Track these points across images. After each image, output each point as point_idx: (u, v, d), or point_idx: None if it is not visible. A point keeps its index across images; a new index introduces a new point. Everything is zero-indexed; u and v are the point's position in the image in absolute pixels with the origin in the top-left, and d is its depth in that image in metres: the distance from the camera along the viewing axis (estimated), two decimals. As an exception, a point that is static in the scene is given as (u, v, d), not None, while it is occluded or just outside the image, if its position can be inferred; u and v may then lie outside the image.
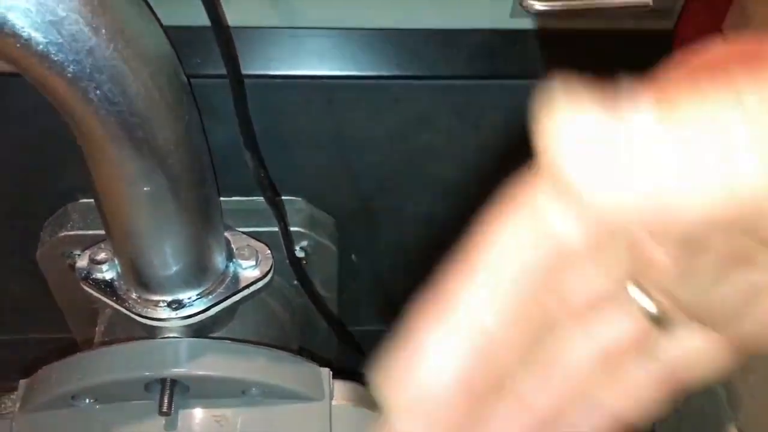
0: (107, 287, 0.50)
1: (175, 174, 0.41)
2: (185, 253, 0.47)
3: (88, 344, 0.63)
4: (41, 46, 0.33)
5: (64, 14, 0.33)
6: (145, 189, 0.41)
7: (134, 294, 0.50)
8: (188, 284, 0.49)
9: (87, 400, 0.49)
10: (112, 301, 0.50)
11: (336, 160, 0.56)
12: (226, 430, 0.49)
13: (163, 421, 0.48)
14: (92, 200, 0.55)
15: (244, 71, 0.46)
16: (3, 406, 0.51)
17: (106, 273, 0.51)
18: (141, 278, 0.49)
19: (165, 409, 0.47)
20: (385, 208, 0.60)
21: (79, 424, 0.48)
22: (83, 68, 0.34)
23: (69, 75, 0.34)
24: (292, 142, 0.54)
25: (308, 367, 0.52)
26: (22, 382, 0.51)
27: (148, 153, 0.39)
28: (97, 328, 0.58)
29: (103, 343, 0.55)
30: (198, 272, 0.49)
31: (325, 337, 0.66)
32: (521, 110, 0.17)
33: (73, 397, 0.48)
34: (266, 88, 0.49)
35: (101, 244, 0.52)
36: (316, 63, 0.47)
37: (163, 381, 0.48)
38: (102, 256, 0.51)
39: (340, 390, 0.52)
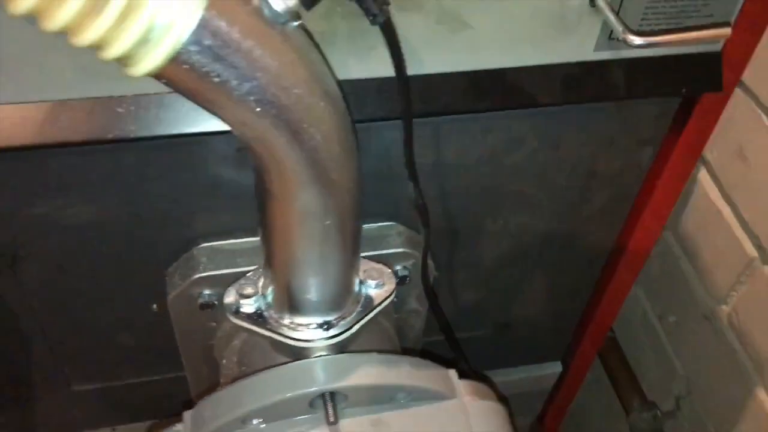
0: (258, 317, 0.56)
1: (348, 208, 0.48)
2: (340, 279, 0.53)
3: (203, 380, 0.68)
4: (275, 111, 0.39)
5: (290, 84, 0.39)
6: (325, 223, 0.47)
7: (286, 320, 0.55)
8: (336, 307, 0.55)
9: (254, 422, 0.54)
10: (265, 329, 0.56)
11: (427, 186, 0.63)
12: (382, 435, 0.55)
13: (330, 430, 0.54)
14: (216, 243, 0.61)
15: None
16: (169, 438, 0.56)
17: (254, 305, 0.56)
18: (296, 305, 0.54)
19: (332, 419, 0.53)
20: (466, 227, 0.67)
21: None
22: (300, 122, 0.41)
23: (290, 129, 0.41)
24: (390, 172, 0.61)
25: (439, 370, 0.58)
26: (187, 413, 0.56)
27: (335, 191, 0.45)
28: (223, 362, 0.63)
29: (242, 373, 0.60)
30: (344, 295, 0.55)
31: (412, 344, 0.72)
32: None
33: (243, 421, 0.54)
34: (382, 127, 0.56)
35: (242, 281, 0.58)
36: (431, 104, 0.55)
37: (324, 395, 0.53)
38: (249, 290, 0.56)
39: (465, 387, 0.59)
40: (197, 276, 0.59)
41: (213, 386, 0.65)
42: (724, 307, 0.91)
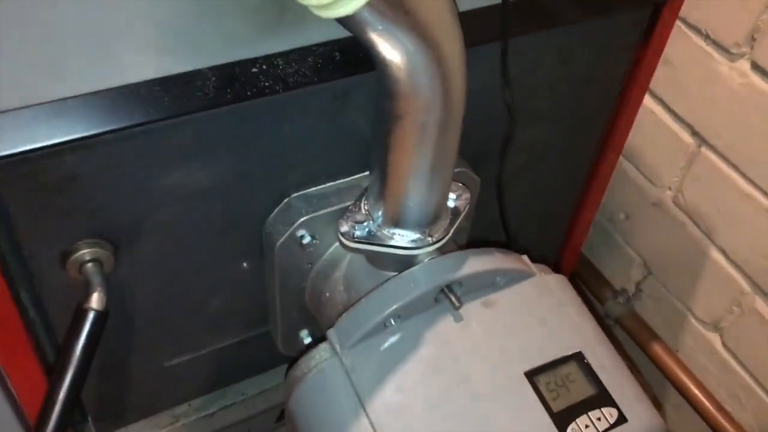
0: (371, 238, 0.65)
1: (457, 124, 0.58)
2: (444, 190, 0.64)
3: (293, 327, 0.76)
4: (432, 43, 0.50)
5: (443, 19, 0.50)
6: (440, 138, 0.57)
7: (396, 236, 0.65)
8: (435, 218, 0.66)
9: (393, 321, 0.63)
10: (380, 246, 0.65)
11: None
12: (495, 310, 0.66)
13: (453, 316, 0.65)
14: (307, 191, 0.70)
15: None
16: (313, 358, 0.64)
17: (366, 229, 0.66)
18: (403, 221, 0.64)
19: (458, 304, 0.64)
20: (491, 145, 0.79)
21: (397, 340, 0.63)
22: (444, 51, 0.51)
23: (437, 57, 0.51)
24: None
25: (517, 255, 0.70)
26: (330, 331, 0.64)
27: (453, 108, 0.56)
28: (326, 295, 0.72)
29: (351, 297, 0.69)
30: (443, 205, 0.66)
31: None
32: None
33: (384, 324, 0.63)
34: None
35: (348, 213, 0.67)
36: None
37: (445, 287, 0.64)
38: (359, 217, 0.66)
39: (536, 267, 0.72)
40: (302, 219, 0.68)
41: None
42: (668, 192, 1.09)
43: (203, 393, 0.86)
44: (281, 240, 0.68)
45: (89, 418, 0.81)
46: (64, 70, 0.51)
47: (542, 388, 0.62)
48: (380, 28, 0.47)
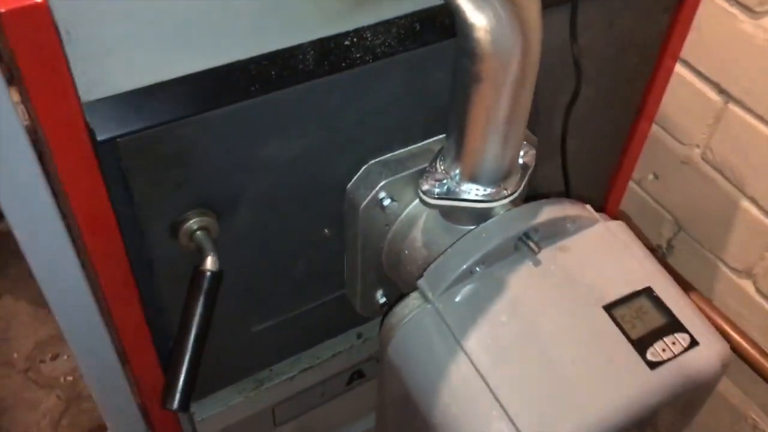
0: (450, 194, 0.71)
1: (532, 83, 0.64)
2: (517, 146, 0.69)
3: (371, 287, 0.81)
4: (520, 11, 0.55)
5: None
6: (517, 97, 0.63)
7: (472, 192, 0.71)
8: (509, 173, 0.72)
9: (478, 268, 0.69)
10: (459, 201, 0.71)
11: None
12: (570, 254, 0.72)
13: (533, 261, 0.70)
14: (383, 157, 0.75)
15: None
16: (407, 307, 0.70)
17: (446, 186, 0.71)
18: (479, 177, 0.70)
19: (536, 249, 0.69)
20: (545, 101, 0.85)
21: (487, 284, 0.69)
22: (529, 18, 0.57)
23: (523, 23, 0.57)
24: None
25: (582, 205, 0.76)
26: (420, 280, 0.70)
27: (530, 69, 0.62)
28: (405, 252, 0.77)
29: (430, 252, 0.75)
30: (515, 161, 0.72)
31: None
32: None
33: (471, 271, 0.69)
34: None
35: (426, 174, 0.72)
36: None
37: (526, 234, 0.70)
38: (438, 176, 0.71)
39: (599, 215, 0.77)
40: (383, 183, 0.73)
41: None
42: (697, 150, 1.15)
43: (283, 358, 0.91)
44: (364, 203, 0.74)
45: (183, 386, 0.86)
46: (176, 52, 0.57)
47: (619, 319, 0.68)
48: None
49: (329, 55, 0.62)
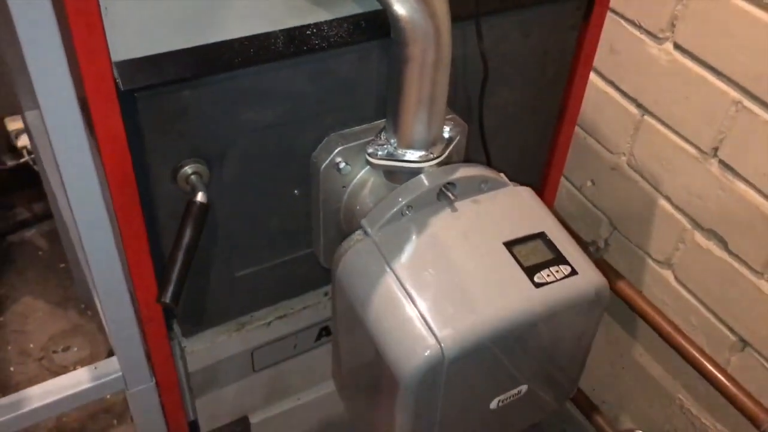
0: (390, 157, 0.92)
1: (447, 63, 0.85)
2: (441, 117, 0.90)
3: (332, 243, 1.01)
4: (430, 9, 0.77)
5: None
6: (437, 72, 0.84)
7: (407, 155, 0.91)
8: (436, 141, 0.92)
9: (408, 212, 0.89)
10: (396, 161, 0.91)
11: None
12: (481, 205, 0.92)
13: (449, 209, 0.90)
14: (342, 131, 0.96)
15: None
16: (352, 239, 0.90)
17: (386, 150, 0.92)
18: (412, 143, 0.91)
19: (453, 197, 0.89)
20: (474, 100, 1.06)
21: (413, 223, 0.88)
22: (439, 13, 0.79)
23: (434, 16, 0.78)
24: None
25: (496, 171, 0.96)
26: (363, 220, 0.90)
27: (443, 51, 0.83)
28: (357, 208, 0.97)
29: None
30: (440, 131, 0.92)
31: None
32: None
33: (401, 213, 0.89)
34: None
35: (372, 141, 0.93)
36: None
37: (445, 186, 0.90)
38: (380, 142, 0.92)
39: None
40: (338, 149, 0.94)
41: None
42: (623, 157, 1.36)
43: (262, 307, 1.11)
44: (324, 165, 0.94)
45: (175, 321, 1.05)
46: (182, 30, 0.78)
47: (516, 253, 0.88)
48: (394, -9, 0.75)
49: (294, 40, 0.83)
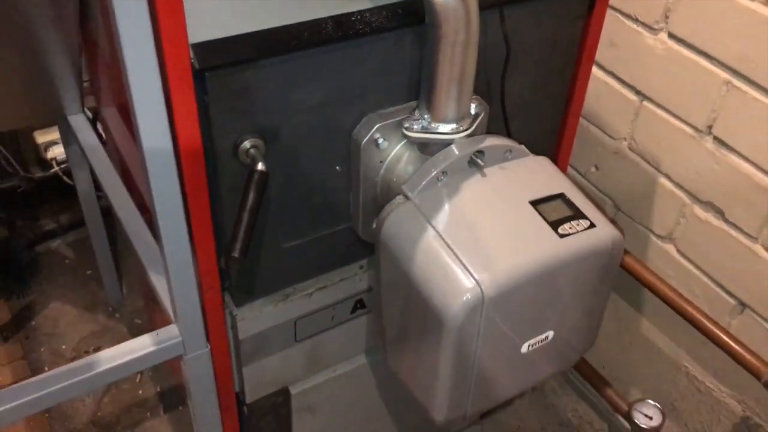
0: (424, 130, 1.03)
1: (475, 42, 0.97)
2: (470, 92, 1.02)
3: (370, 215, 1.12)
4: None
5: None
6: (468, 48, 0.96)
7: (440, 128, 1.03)
8: (465, 116, 1.04)
9: (443, 177, 1.00)
10: (430, 134, 1.03)
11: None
12: (507, 171, 1.03)
13: (479, 174, 1.02)
14: (381, 111, 1.07)
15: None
16: (393, 203, 1.01)
17: (420, 124, 1.03)
18: (444, 117, 1.02)
19: (482, 164, 1.01)
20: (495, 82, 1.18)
21: (448, 187, 1.00)
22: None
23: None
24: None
25: (518, 143, 1.08)
26: (404, 186, 1.01)
27: (473, 29, 0.95)
28: (394, 180, 1.09)
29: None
30: (469, 107, 1.04)
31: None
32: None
33: (437, 179, 1.00)
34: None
35: (407, 118, 1.04)
36: None
37: (475, 153, 1.02)
38: (416, 116, 1.04)
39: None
40: (378, 125, 1.05)
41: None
42: (624, 142, 1.48)
43: (304, 279, 1.21)
44: (364, 141, 1.06)
45: (227, 292, 1.16)
46: (245, 17, 0.90)
47: (541, 210, 0.99)
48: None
49: (341, 25, 0.95)
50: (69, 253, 2.30)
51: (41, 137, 2.11)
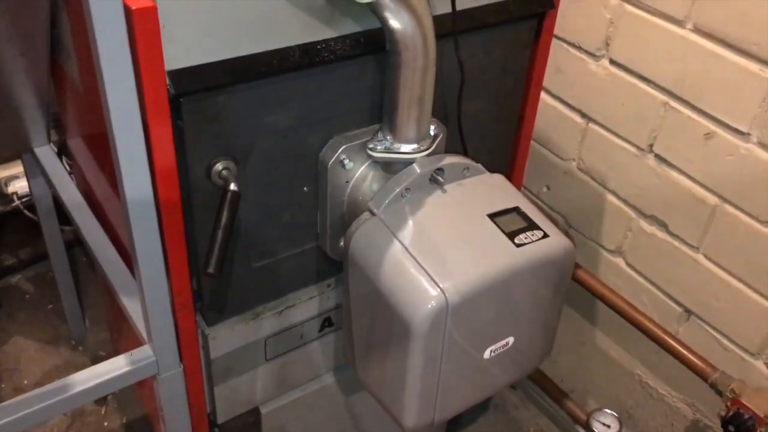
0: (387, 150, 1.09)
1: (432, 68, 1.05)
2: (429, 115, 1.09)
3: (337, 236, 1.18)
4: (418, 20, 0.97)
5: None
6: (425, 74, 1.03)
7: (402, 149, 1.10)
8: (425, 137, 1.11)
9: (406, 194, 1.07)
10: (392, 153, 1.09)
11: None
12: (465, 188, 1.10)
13: (440, 190, 1.08)
14: (346, 133, 1.14)
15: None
16: (360, 219, 1.07)
17: (383, 145, 1.10)
18: (405, 138, 1.09)
19: (442, 181, 1.08)
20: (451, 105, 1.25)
21: (411, 203, 1.06)
22: (426, 25, 0.99)
23: (422, 27, 0.98)
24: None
25: (475, 162, 1.15)
26: (370, 203, 1.07)
27: (430, 56, 1.02)
28: (360, 198, 1.14)
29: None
30: (428, 129, 1.11)
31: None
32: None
33: (402, 195, 1.07)
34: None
35: (372, 139, 1.11)
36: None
37: (436, 171, 1.08)
38: (379, 137, 1.10)
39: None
40: (343, 147, 1.11)
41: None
42: (573, 162, 1.57)
43: (274, 298, 1.25)
44: (330, 162, 1.12)
45: (198, 312, 1.19)
46: (219, 45, 0.96)
47: (498, 222, 1.06)
48: (391, 6, 0.94)
49: (308, 54, 1.01)
50: (29, 287, 2.29)
51: (1, 172, 2.11)
